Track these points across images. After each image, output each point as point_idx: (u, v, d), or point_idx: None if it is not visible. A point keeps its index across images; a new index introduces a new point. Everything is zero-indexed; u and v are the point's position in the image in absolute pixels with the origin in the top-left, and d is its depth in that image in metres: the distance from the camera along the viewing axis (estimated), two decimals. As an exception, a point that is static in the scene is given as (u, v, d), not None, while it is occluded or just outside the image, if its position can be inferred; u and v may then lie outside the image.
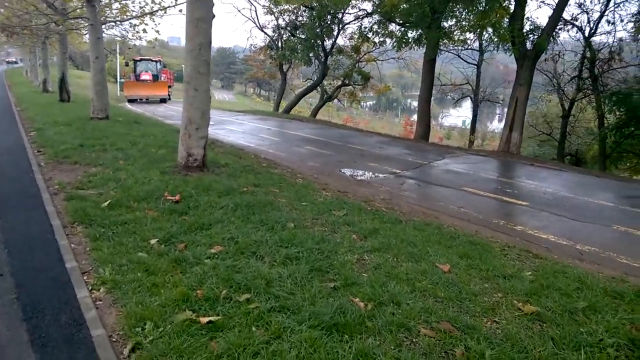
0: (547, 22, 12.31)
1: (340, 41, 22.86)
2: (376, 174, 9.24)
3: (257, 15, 26.97)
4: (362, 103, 30.80)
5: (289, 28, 22.00)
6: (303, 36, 20.49)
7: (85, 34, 21.45)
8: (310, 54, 20.24)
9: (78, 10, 16.34)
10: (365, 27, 18.53)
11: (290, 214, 5.45)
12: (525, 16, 12.45)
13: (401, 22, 16.58)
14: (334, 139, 13.67)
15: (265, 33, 23.06)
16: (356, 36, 22.77)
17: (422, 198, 7.55)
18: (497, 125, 59.69)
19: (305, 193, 6.73)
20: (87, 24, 15.76)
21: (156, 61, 29.91)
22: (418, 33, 15.97)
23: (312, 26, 19.63)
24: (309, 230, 4.91)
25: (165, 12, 13.13)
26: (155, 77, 28.65)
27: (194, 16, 6.92)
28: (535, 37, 12.14)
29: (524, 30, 12.15)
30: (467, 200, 7.64)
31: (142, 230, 4.63)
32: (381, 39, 17.56)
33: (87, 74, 50.89)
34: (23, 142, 9.60)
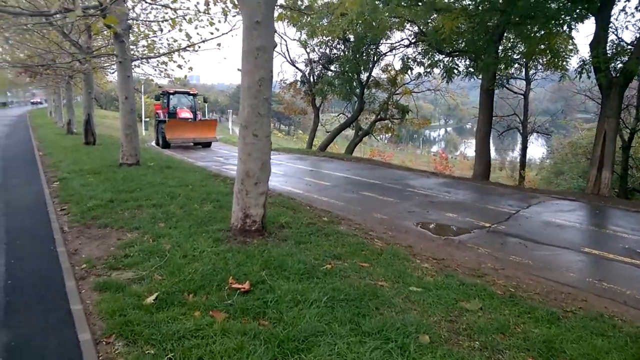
0: (636, 43, 10.77)
1: (375, 73, 21.64)
2: (462, 229, 7.64)
3: (287, 49, 26.09)
4: (381, 135, 29.12)
5: (322, 61, 20.92)
6: (339, 69, 19.32)
7: (111, 72, 20.73)
8: (348, 88, 18.97)
9: (103, 49, 15.47)
10: (408, 58, 17.22)
11: (408, 313, 3.87)
12: (609, 38, 10.94)
13: (450, 50, 15.26)
14: (387, 181, 12.14)
15: (297, 67, 22.01)
16: (390, 68, 21.61)
17: (542, 266, 5.89)
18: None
19: (400, 267, 5.16)
20: (114, 62, 14.87)
21: (193, 95, 23.44)
22: (470, 62, 14.62)
23: (349, 58, 18.44)
24: (454, 350, 3.30)
25: (198, 48, 11.99)
26: (194, 115, 22.53)
27: (252, 46, 5.58)
28: (623, 61, 10.60)
29: (608, 54, 10.62)
30: (601, 268, 5.97)
31: (212, 355, 3.09)
32: (427, 70, 16.21)
33: (111, 114, 50.86)
34: (44, 197, 8.29)
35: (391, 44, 20.06)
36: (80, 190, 8.55)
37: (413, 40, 17.27)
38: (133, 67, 16.40)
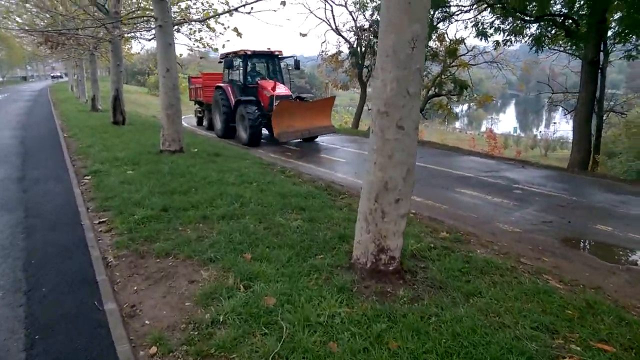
0: None
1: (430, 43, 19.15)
2: (635, 251, 5.58)
3: (333, 15, 23.52)
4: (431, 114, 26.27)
5: (372, 29, 18.51)
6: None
7: (142, 41, 18.71)
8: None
9: (136, 12, 13.39)
10: (484, 23, 14.68)
11: None
12: None
13: (537, 14, 12.76)
14: (479, 173, 9.95)
15: (343, 37, 19.58)
16: (445, 37, 19.10)
17: None
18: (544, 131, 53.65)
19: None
20: (146, 29, 12.82)
21: (280, 58, 14.90)
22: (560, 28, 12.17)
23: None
24: None
25: (251, 9, 9.81)
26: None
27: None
28: None
29: None
30: None
31: None
32: (506, 37, 13.74)
33: (133, 88, 49.02)
34: (75, 200, 6.40)
35: (448, 11, 17.47)
36: (120, 190, 6.64)
37: (483, 5, 14.55)
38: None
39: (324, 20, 19.26)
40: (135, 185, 6.88)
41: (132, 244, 4.68)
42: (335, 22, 20.05)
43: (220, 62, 15.52)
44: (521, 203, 7.63)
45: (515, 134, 52.50)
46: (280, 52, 14.71)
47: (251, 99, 13.30)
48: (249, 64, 14.51)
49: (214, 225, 5.29)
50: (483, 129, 60.37)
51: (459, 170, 10.32)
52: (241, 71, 14.20)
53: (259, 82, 14.00)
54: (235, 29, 8.79)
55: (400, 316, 3.30)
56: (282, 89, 13.54)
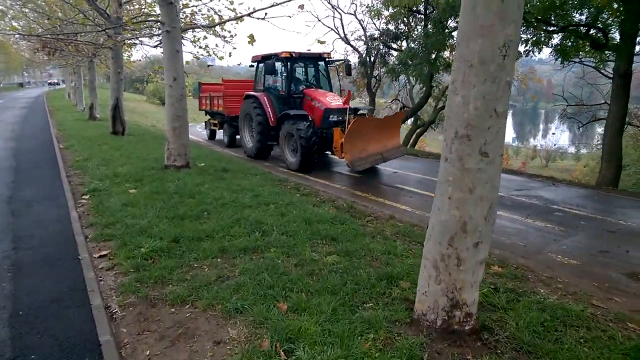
0: None
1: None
2: None
3: (342, 24, 22.91)
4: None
5: (382, 38, 17.87)
6: (410, 47, 16.27)
7: (138, 50, 18.00)
8: (426, 69, 15.82)
9: (136, 19, 12.67)
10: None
11: None
12: None
13: (562, 24, 12.12)
14: (516, 193, 9.02)
15: (352, 46, 18.96)
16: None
17: None
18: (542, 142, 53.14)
19: None
20: (155, 33, 12.11)
21: (331, 61, 12.94)
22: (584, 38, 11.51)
23: (429, 33, 15.28)
24: None
25: (265, 15, 9.10)
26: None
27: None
28: None
29: None
30: None
31: None
32: (529, 49, 13.04)
33: (131, 96, 48.14)
34: (70, 227, 5.60)
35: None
36: (123, 214, 5.86)
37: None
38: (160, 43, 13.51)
39: (332, 29, 18.72)
40: (139, 208, 6.10)
41: (140, 287, 3.89)
42: (344, 31, 19.51)
43: (251, 66, 13.12)
44: (567, 228, 6.88)
45: (514, 144, 52.22)
46: (329, 54, 12.49)
47: (302, 113, 10.76)
48: (295, 68, 11.90)
49: (234, 260, 4.52)
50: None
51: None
52: (284, 77, 11.63)
53: (304, 91, 11.45)
54: (251, 36, 8.06)
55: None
56: (337, 101, 10.85)
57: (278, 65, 11.35)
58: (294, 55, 11.39)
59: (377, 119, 11.13)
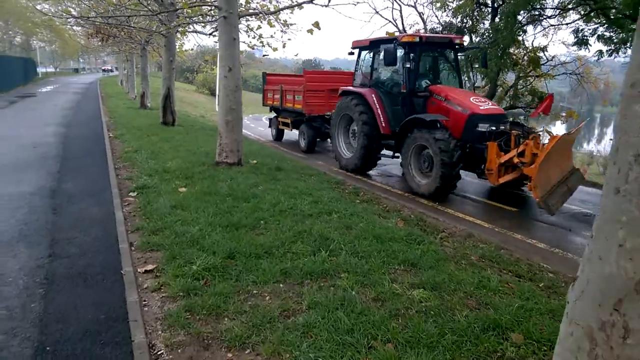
0: None
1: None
2: None
3: (401, 16, 21.76)
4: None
5: (444, 32, 16.75)
6: (476, 41, 15.12)
7: (195, 36, 17.55)
8: (496, 66, 14.59)
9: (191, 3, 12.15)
10: (586, 30, 12.63)
11: None
12: None
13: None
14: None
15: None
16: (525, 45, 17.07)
17: None
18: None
19: None
20: (215, 17, 11.52)
21: (465, 49, 10.94)
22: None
23: (499, 27, 14.05)
24: None
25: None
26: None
27: None
28: None
29: None
30: None
31: None
32: (611, 47, 11.65)
33: (180, 85, 48.46)
34: (114, 230, 5.02)
35: (538, 14, 15.46)
36: (172, 218, 5.23)
37: (593, 7, 12.44)
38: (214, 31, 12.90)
39: (390, 21, 17.71)
40: (189, 212, 5.47)
41: (191, 320, 3.20)
42: (403, 24, 18.40)
43: (351, 53, 10.53)
44: None
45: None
46: (462, 38, 9.83)
47: (437, 119, 8.03)
48: (421, 58, 9.02)
49: (300, 288, 3.77)
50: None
51: (569, 202, 8.35)
52: (406, 69, 8.66)
53: (430, 88, 8.75)
54: (316, 23, 7.28)
55: None
56: (486, 104, 8.24)
57: (399, 51, 8.68)
58: (422, 39, 8.81)
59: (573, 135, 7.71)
